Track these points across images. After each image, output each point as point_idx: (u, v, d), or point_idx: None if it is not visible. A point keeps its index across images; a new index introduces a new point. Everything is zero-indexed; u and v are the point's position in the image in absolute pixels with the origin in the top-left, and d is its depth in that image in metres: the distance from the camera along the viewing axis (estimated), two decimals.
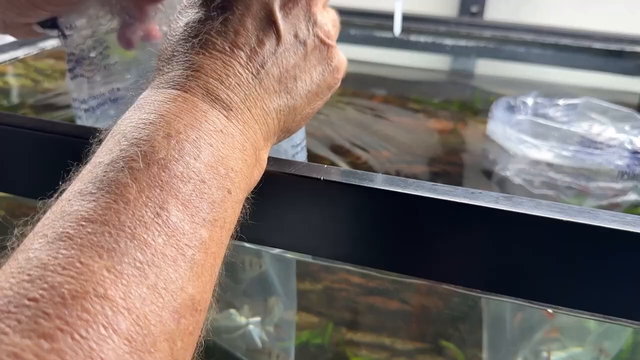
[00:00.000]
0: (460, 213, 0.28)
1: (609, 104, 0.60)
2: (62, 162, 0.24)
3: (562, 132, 0.55)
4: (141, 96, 0.26)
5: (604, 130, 0.56)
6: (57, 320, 0.16)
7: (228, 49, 0.26)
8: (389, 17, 0.79)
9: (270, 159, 0.31)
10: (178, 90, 0.25)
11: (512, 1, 1.10)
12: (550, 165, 0.54)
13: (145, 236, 0.20)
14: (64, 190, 0.22)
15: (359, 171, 0.31)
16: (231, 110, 0.25)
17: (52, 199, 0.22)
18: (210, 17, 0.27)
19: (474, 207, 0.28)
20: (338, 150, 0.61)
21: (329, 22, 0.30)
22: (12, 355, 0.15)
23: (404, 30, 0.83)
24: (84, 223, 0.19)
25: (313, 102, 0.30)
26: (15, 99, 0.71)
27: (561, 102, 0.62)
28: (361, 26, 0.89)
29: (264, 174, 0.29)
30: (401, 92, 0.79)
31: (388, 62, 0.92)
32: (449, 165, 0.59)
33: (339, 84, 0.32)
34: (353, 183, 0.29)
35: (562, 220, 0.27)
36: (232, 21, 0.27)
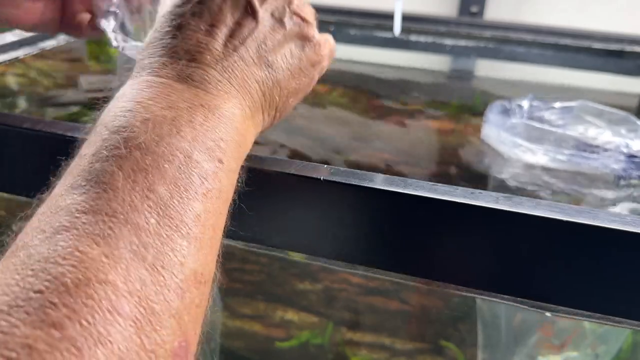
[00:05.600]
0: (460, 213, 0.28)
1: (605, 106, 0.59)
2: (61, 162, 0.24)
3: (558, 136, 0.54)
4: (121, 88, 0.27)
5: (600, 134, 0.56)
6: (64, 309, 0.17)
7: (203, 29, 0.28)
8: (389, 17, 0.79)
9: (270, 158, 0.31)
10: (153, 76, 0.26)
11: (512, 1, 1.10)
12: (545, 169, 0.54)
13: (137, 220, 0.20)
14: (55, 184, 0.23)
15: (359, 171, 0.31)
16: (209, 84, 0.26)
17: (45, 194, 0.23)
18: (187, 2, 0.29)
19: (474, 207, 0.28)
20: (337, 150, 0.61)
21: (308, 6, 0.32)
22: (26, 346, 0.15)
23: (404, 30, 0.82)
24: (78, 215, 0.20)
25: (297, 78, 0.31)
26: (14, 98, 0.71)
27: (557, 105, 0.61)
28: (361, 26, 0.89)
29: (263, 174, 0.30)
30: (401, 92, 0.79)
31: (388, 62, 0.92)
32: (443, 168, 0.59)
33: (325, 63, 0.33)
34: (353, 183, 0.29)
35: (562, 220, 0.27)
36: (207, 3, 0.29)
